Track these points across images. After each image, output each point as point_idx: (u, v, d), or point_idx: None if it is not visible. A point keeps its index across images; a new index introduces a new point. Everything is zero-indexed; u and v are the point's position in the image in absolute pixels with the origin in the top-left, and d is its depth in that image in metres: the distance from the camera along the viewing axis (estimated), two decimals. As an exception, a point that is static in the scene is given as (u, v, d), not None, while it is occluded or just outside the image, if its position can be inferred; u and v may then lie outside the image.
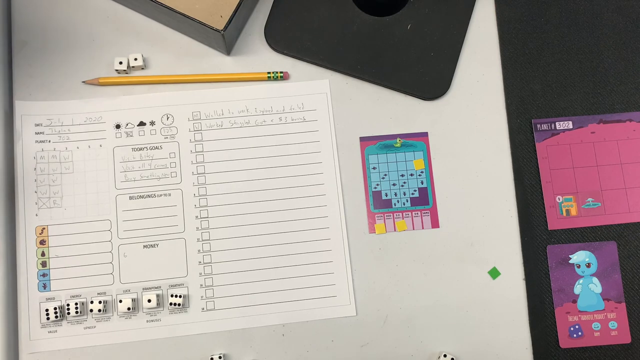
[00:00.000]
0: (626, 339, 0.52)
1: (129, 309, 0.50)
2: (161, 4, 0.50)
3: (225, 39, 0.51)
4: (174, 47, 0.55)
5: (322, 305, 0.51)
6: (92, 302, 0.50)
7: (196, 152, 0.53)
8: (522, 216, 0.53)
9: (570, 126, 0.55)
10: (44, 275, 0.51)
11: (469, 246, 0.53)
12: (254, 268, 0.51)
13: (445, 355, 0.50)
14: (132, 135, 0.53)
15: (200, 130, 0.53)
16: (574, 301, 0.52)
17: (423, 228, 0.53)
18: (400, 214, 0.53)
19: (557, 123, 0.55)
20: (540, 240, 0.53)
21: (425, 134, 0.54)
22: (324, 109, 0.54)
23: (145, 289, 0.51)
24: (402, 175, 0.54)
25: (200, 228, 0.52)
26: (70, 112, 0.53)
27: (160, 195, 0.52)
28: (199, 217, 0.52)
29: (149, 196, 0.52)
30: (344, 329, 0.51)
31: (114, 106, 0.53)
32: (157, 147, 0.53)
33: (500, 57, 0.56)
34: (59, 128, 0.53)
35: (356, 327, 0.51)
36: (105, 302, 0.50)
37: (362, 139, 0.54)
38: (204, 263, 0.51)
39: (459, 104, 0.55)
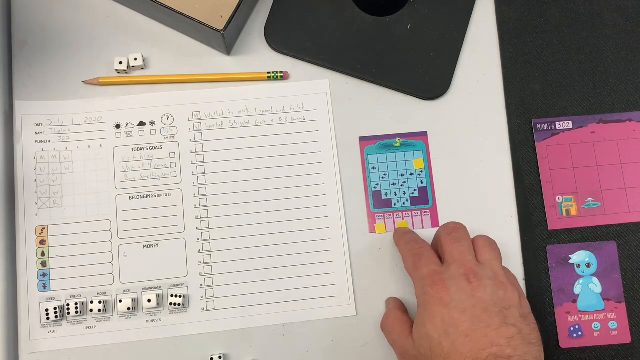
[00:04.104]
0: (626, 339, 0.52)
1: (129, 309, 0.50)
2: (161, 4, 0.50)
3: (225, 39, 0.51)
4: (174, 47, 0.55)
5: (322, 305, 0.51)
6: (92, 302, 0.50)
7: (196, 152, 0.53)
8: (522, 216, 0.53)
9: (570, 126, 0.55)
10: (44, 275, 0.51)
11: (469, 246, 0.53)
12: (254, 268, 0.51)
13: (445, 355, 0.50)
14: (132, 135, 0.53)
15: (200, 130, 0.53)
16: (574, 301, 0.52)
17: (423, 228, 0.53)
18: (400, 213, 0.53)
19: (557, 123, 0.55)
20: (540, 240, 0.53)
21: (425, 134, 0.54)
22: (324, 109, 0.54)
23: (145, 289, 0.51)
24: (402, 175, 0.54)
25: (200, 228, 0.52)
26: (70, 112, 0.53)
27: (160, 195, 0.52)
28: (199, 217, 0.52)
29: (149, 196, 0.52)
30: (344, 329, 0.51)
31: (114, 106, 0.53)
32: (157, 147, 0.53)
33: (500, 57, 0.56)
34: (59, 128, 0.53)
35: (356, 327, 0.51)
36: (105, 302, 0.50)
37: (361, 138, 0.54)
38: (204, 263, 0.51)
39: (459, 104, 0.55)
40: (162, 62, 0.55)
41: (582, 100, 0.55)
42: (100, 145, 0.53)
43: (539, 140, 0.54)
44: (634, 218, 0.53)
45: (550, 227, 0.53)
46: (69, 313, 0.50)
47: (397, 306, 0.50)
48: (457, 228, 0.48)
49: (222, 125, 0.54)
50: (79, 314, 0.50)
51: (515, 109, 0.55)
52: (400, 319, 0.48)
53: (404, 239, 0.50)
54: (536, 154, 0.54)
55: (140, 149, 0.53)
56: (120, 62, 0.53)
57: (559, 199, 0.54)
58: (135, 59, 0.53)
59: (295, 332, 0.51)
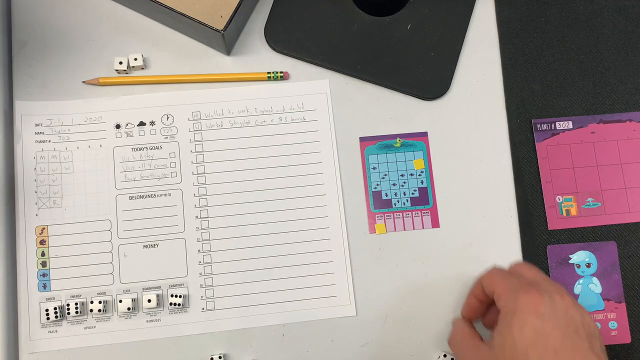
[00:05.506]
0: (626, 339, 0.52)
1: (129, 309, 0.50)
2: (161, 4, 0.50)
3: (225, 39, 0.51)
4: (174, 47, 0.55)
5: (322, 305, 0.51)
6: (92, 302, 0.50)
7: (196, 152, 0.53)
8: (522, 216, 0.53)
9: (570, 126, 0.55)
10: (44, 275, 0.51)
11: (468, 246, 0.53)
12: (254, 268, 0.51)
13: (445, 355, 0.50)
14: (132, 135, 0.53)
15: (200, 130, 0.53)
16: (574, 301, 0.52)
17: (423, 228, 0.53)
18: (401, 214, 0.53)
19: (557, 123, 0.55)
20: (540, 240, 0.53)
21: (425, 134, 0.54)
22: (323, 109, 0.54)
23: (145, 289, 0.51)
24: (402, 175, 0.54)
25: (200, 228, 0.52)
26: (70, 112, 0.53)
27: (160, 195, 0.52)
28: (199, 217, 0.52)
29: (149, 196, 0.52)
30: (344, 329, 0.51)
31: (114, 106, 0.53)
32: (157, 147, 0.53)
33: (500, 57, 0.56)
34: (59, 128, 0.53)
35: (356, 327, 0.51)
36: (105, 302, 0.50)
37: (362, 139, 0.54)
38: (204, 263, 0.51)
39: (459, 104, 0.55)
40: (162, 62, 0.55)
41: (582, 100, 0.55)
42: (100, 145, 0.53)
43: (539, 140, 0.54)
44: (634, 218, 0.53)
45: (550, 227, 0.53)
46: (69, 313, 0.50)
47: (467, 323, 0.48)
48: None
49: (222, 125, 0.54)
50: (79, 314, 0.50)
51: (515, 109, 0.55)
52: (471, 333, 0.47)
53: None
54: (536, 154, 0.54)
55: (140, 149, 0.53)
56: (120, 62, 0.53)
57: (559, 199, 0.54)
58: (135, 59, 0.53)
59: (295, 332, 0.51)
